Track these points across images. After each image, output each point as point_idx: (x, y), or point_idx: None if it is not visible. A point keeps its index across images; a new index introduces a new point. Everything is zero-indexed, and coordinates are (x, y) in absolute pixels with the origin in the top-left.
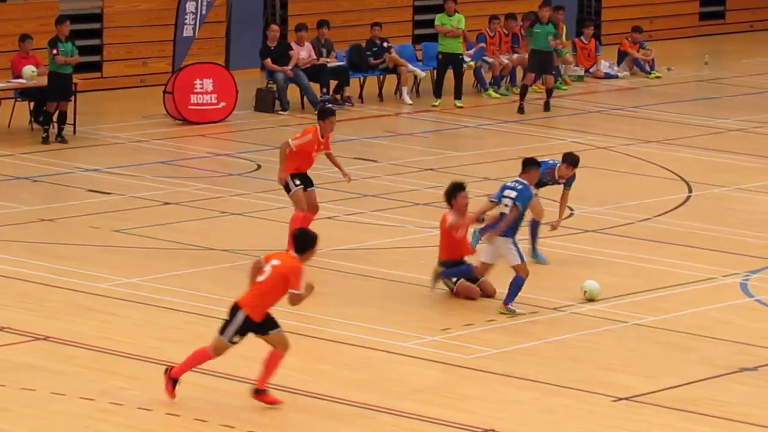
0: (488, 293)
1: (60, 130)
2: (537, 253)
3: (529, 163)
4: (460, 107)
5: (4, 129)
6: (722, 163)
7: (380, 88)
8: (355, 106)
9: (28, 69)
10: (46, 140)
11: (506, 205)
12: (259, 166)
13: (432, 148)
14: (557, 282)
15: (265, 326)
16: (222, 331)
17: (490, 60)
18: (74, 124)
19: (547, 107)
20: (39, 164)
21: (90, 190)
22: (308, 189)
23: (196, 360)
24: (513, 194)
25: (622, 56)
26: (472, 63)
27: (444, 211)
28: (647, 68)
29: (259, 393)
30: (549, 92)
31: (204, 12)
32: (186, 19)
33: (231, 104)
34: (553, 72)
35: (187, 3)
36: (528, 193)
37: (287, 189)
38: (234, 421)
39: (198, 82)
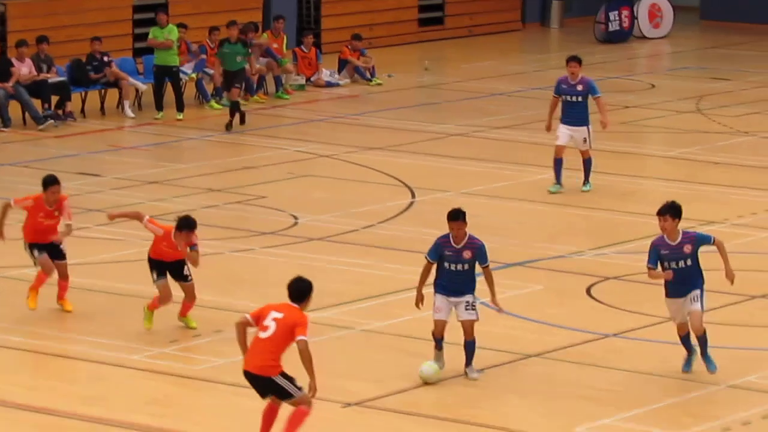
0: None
1: None
2: None
3: None
4: (180, 119)
5: None
6: (444, 167)
7: (102, 102)
8: (77, 121)
9: None
10: None
11: None
12: None
13: (156, 160)
14: (280, 293)
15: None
16: (286, 396)
17: (210, 71)
18: None
19: (228, 126)
20: None
21: None
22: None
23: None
24: None
25: (342, 64)
26: (193, 75)
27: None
28: (368, 75)
29: None
30: (233, 107)
31: None
32: None
33: None
34: (238, 86)
35: None
36: None
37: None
38: None
39: None
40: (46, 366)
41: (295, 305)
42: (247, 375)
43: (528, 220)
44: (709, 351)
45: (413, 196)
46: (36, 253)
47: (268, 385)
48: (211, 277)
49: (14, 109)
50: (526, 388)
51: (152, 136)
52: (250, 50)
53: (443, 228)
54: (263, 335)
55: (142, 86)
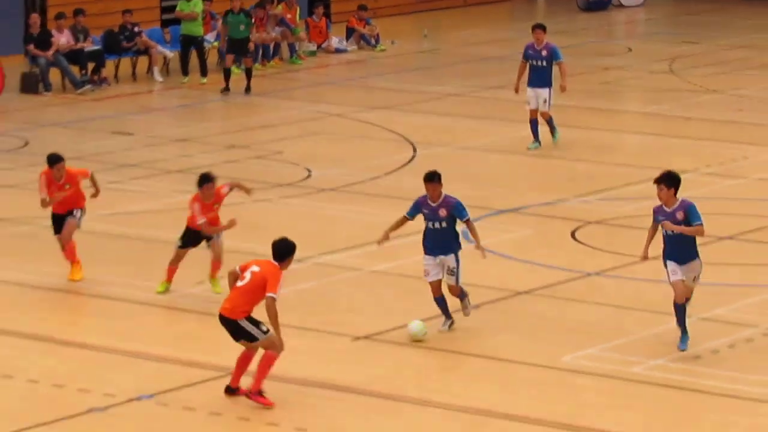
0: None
1: None
2: None
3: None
4: (204, 83)
5: None
6: (441, 124)
7: (133, 69)
8: (111, 86)
9: None
10: None
11: None
12: (26, 143)
13: (182, 120)
14: (296, 238)
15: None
16: (252, 339)
17: None
18: None
19: (247, 90)
20: None
21: None
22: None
23: (268, 365)
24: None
25: (350, 32)
26: (215, 43)
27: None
28: (373, 42)
29: (255, 396)
30: (248, 73)
31: None
32: None
33: None
34: (250, 54)
35: None
36: None
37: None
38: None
39: None
40: (85, 305)
41: (275, 263)
42: (220, 318)
43: (517, 171)
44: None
45: (414, 150)
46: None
47: (235, 328)
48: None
49: (55, 75)
50: (517, 322)
51: (178, 98)
52: (252, 20)
53: (444, 177)
54: (239, 284)
55: (170, 54)
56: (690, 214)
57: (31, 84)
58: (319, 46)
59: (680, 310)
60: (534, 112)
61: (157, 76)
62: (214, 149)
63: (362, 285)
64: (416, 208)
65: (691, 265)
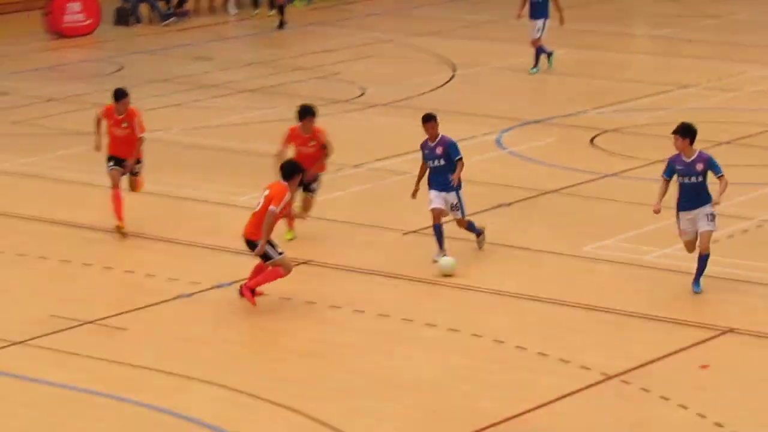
0: None
1: None
2: None
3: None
4: (270, 15)
5: None
6: (477, 48)
7: (211, 2)
8: (192, 18)
9: None
10: None
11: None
12: (121, 68)
13: (254, 47)
14: (352, 147)
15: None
16: (267, 258)
17: None
18: None
19: (281, 25)
20: None
21: None
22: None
23: (272, 277)
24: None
25: None
26: None
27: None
28: None
29: (247, 292)
30: (280, 9)
31: None
32: None
33: (96, 21)
34: None
35: None
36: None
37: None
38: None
39: (69, 4)
40: (175, 206)
41: (283, 182)
42: (244, 239)
43: (542, 88)
44: (703, 275)
45: (454, 70)
46: (111, 164)
47: (254, 247)
48: None
49: (143, 9)
50: (544, 217)
51: (249, 28)
52: None
53: (480, 93)
54: (255, 209)
55: None
56: (712, 166)
57: (123, 17)
58: None
59: (701, 261)
60: (535, 42)
61: (231, 9)
62: (281, 70)
63: (410, 187)
64: (422, 152)
65: (703, 209)
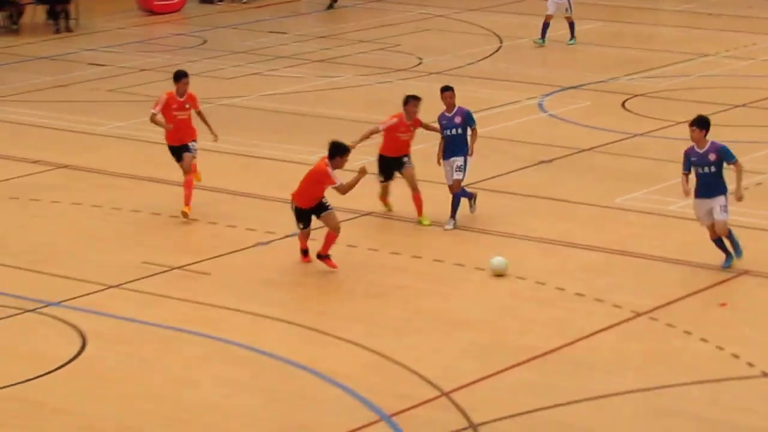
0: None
1: (67, 23)
2: None
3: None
4: None
5: (28, 25)
6: (521, 22)
7: None
8: None
9: None
10: (57, 31)
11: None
12: (204, 41)
13: (323, 22)
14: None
15: (316, 210)
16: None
17: None
18: (76, 19)
19: (330, 6)
20: (53, 48)
21: (90, 64)
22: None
23: (332, 240)
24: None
25: None
26: None
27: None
28: None
29: (321, 257)
30: None
31: None
32: None
33: None
34: None
35: None
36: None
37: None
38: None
39: None
40: (254, 164)
41: (327, 160)
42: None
43: (578, 57)
44: (737, 239)
45: (500, 42)
46: (175, 158)
47: (308, 213)
48: (364, 100)
49: None
50: (580, 172)
51: (319, 4)
52: None
53: (523, 63)
54: (300, 182)
55: None
56: (725, 154)
57: None
58: None
59: (717, 243)
60: (548, 17)
61: None
62: (347, 44)
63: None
64: (440, 122)
65: (717, 199)
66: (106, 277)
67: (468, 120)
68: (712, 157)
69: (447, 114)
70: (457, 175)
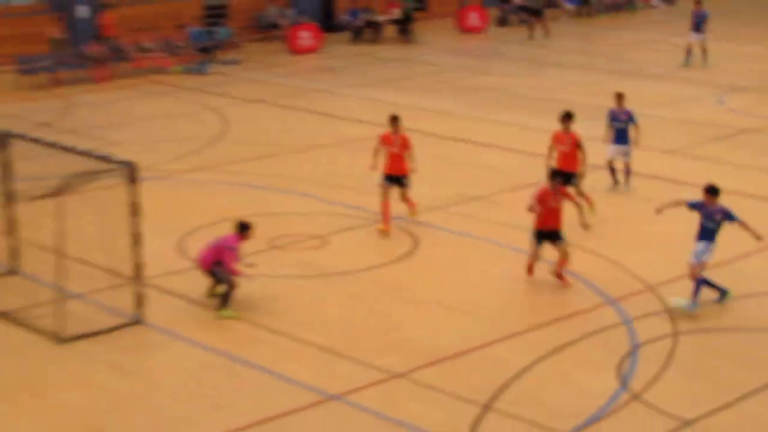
0: None
1: (409, 36)
2: None
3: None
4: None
5: (384, 38)
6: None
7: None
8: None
9: None
10: (405, 41)
11: None
12: (499, 53)
13: (577, 38)
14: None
15: (553, 236)
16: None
17: None
18: (414, 34)
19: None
20: (401, 52)
21: (425, 64)
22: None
23: (564, 263)
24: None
25: None
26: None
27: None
28: None
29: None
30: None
31: None
32: None
33: (485, 24)
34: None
35: None
36: None
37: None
38: None
39: (470, 13)
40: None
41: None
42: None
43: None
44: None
45: (706, 58)
46: (386, 183)
47: (555, 237)
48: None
49: (513, 18)
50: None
51: (580, 25)
52: None
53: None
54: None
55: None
56: (728, 217)
57: (503, 20)
58: None
59: (702, 283)
60: None
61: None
62: (596, 55)
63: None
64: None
65: (710, 245)
66: None
67: (633, 116)
68: (717, 216)
69: (615, 110)
70: (627, 159)
